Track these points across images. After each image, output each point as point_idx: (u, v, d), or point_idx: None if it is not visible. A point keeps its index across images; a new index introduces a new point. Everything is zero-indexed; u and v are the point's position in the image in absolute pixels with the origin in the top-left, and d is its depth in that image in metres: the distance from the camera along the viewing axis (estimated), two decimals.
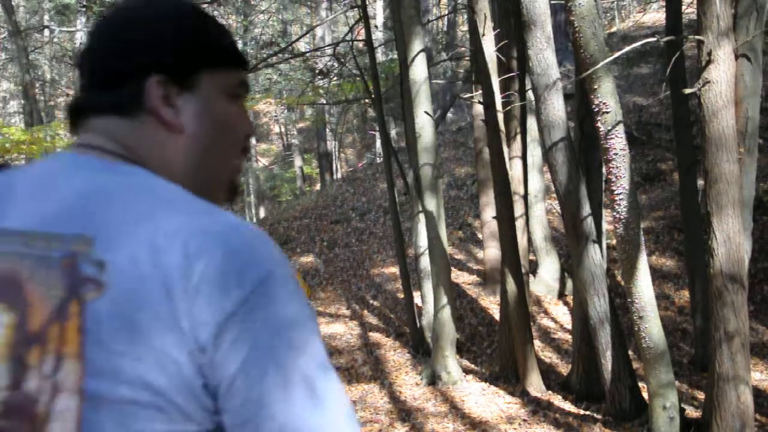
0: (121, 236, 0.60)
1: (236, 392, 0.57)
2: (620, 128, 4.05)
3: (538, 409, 5.09)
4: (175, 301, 0.57)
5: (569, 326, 7.36)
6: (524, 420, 4.90)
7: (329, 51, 11.19)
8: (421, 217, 6.33)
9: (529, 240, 7.70)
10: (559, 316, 7.92)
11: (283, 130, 29.01)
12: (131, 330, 0.57)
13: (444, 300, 5.71)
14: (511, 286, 5.63)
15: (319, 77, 10.58)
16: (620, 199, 4.08)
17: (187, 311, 0.57)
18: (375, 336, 7.32)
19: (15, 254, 0.62)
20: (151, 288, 0.57)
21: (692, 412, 4.80)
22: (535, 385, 5.50)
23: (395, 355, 6.75)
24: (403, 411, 5.19)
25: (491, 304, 8.09)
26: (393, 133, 20.13)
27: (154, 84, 0.70)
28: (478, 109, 7.31)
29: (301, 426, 0.57)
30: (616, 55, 4.43)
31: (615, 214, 4.14)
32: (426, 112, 5.58)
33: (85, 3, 11.54)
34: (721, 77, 3.82)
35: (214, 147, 0.74)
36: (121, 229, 0.60)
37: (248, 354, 0.57)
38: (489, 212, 7.78)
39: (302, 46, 22.69)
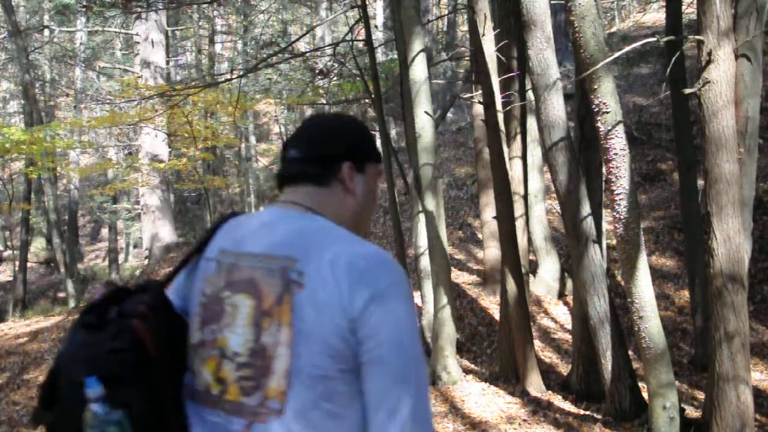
0: (313, 257, 1.09)
1: (368, 340, 1.04)
2: (620, 128, 4.05)
3: (538, 409, 5.09)
4: (341, 292, 1.06)
5: (569, 326, 7.36)
6: (524, 420, 4.90)
7: (329, 51, 11.19)
8: (421, 217, 6.33)
9: (529, 240, 7.71)
10: (559, 316, 7.92)
11: (283, 130, 29.00)
12: (317, 310, 1.05)
13: (444, 300, 5.71)
14: (511, 286, 5.63)
15: (319, 77, 10.58)
16: (620, 199, 4.08)
17: (347, 298, 1.05)
18: None
19: (253, 266, 1.13)
20: (328, 286, 1.06)
21: (692, 412, 4.80)
22: (535, 385, 5.50)
23: None
24: None
25: (491, 304, 8.09)
26: (393, 133, 20.11)
27: (347, 167, 1.24)
28: (478, 109, 7.31)
29: (408, 353, 1.06)
30: (616, 55, 4.42)
31: (615, 214, 4.14)
32: (426, 112, 5.58)
33: (85, 3, 11.52)
34: (721, 77, 3.82)
35: (366, 206, 1.29)
36: (312, 253, 1.10)
37: (381, 319, 1.05)
38: (489, 212, 7.78)
39: (302, 46, 22.68)
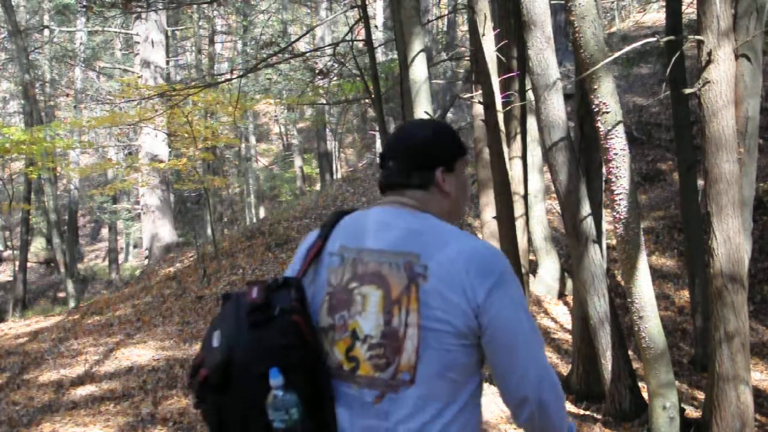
0: (434, 252, 1.32)
1: (494, 321, 1.29)
2: (620, 128, 4.05)
3: None
4: (463, 282, 1.29)
5: (569, 326, 7.36)
6: None
7: (329, 51, 11.19)
8: None
9: (529, 240, 7.71)
10: (559, 316, 7.93)
11: (283, 130, 28.99)
12: (442, 298, 1.28)
13: None
14: None
15: (319, 77, 10.57)
16: (620, 199, 4.08)
17: (470, 287, 1.28)
18: None
19: (378, 261, 1.35)
20: (452, 278, 1.29)
21: (692, 412, 4.80)
22: None
23: None
24: None
25: None
26: None
27: (440, 172, 1.45)
28: (478, 109, 7.31)
29: (526, 326, 1.31)
30: (616, 55, 4.42)
31: (615, 214, 4.14)
32: (426, 112, 5.58)
33: (85, 3, 11.52)
34: (721, 77, 3.82)
35: (460, 199, 1.51)
36: (433, 249, 1.33)
37: (501, 304, 1.29)
38: (489, 212, 7.78)
39: (302, 46, 22.67)
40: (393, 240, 1.36)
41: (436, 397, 1.30)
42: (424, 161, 1.46)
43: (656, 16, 18.03)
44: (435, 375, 1.30)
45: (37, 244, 22.74)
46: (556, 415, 1.37)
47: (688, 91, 4.43)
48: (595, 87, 4.05)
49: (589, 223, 4.58)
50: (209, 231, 14.47)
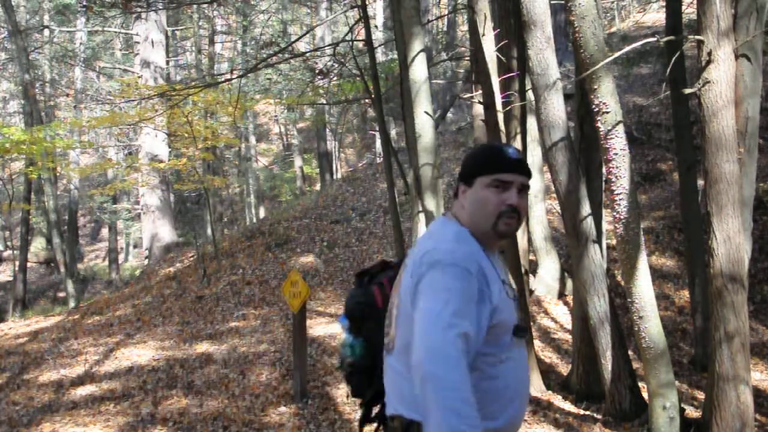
0: (414, 250, 1.77)
1: (417, 301, 1.65)
2: (620, 128, 4.05)
3: (538, 409, 5.09)
4: (414, 273, 1.68)
5: (569, 326, 7.36)
6: (524, 420, 4.90)
7: (329, 51, 11.18)
8: (421, 217, 6.32)
9: (529, 240, 7.70)
10: (559, 316, 7.93)
11: (283, 130, 28.98)
12: (405, 285, 1.71)
13: None
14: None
15: (319, 77, 10.57)
16: (620, 199, 4.08)
17: (417, 276, 1.66)
18: None
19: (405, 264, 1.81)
20: (411, 270, 1.69)
21: (692, 412, 4.80)
22: (535, 385, 5.50)
23: None
24: None
25: None
26: (393, 133, 20.10)
27: (461, 186, 1.80)
28: (478, 109, 7.30)
29: (431, 305, 1.59)
30: (616, 55, 4.42)
31: (615, 214, 4.14)
32: (426, 112, 5.58)
33: (85, 3, 11.52)
34: (721, 77, 3.82)
35: (472, 213, 1.77)
36: (416, 247, 1.79)
37: (422, 287, 1.63)
38: None
39: (302, 46, 22.66)
40: (422, 243, 1.80)
41: (404, 363, 1.68)
42: (459, 176, 1.84)
43: (656, 16, 18.04)
44: (403, 342, 1.69)
45: (37, 244, 22.74)
46: (439, 395, 1.47)
47: (688, 91, 4.43)
48: (595, 87, 4.05)
49: (589, 223, 4.58)
50: (209, 231, 14.47)
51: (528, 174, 1.79)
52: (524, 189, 1.78)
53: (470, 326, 1.57)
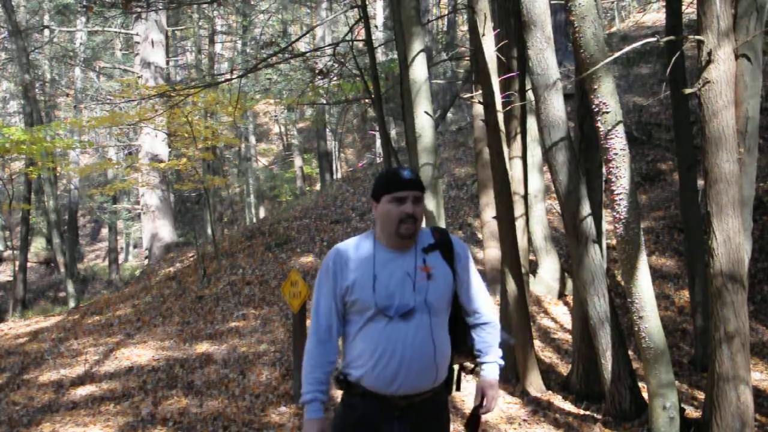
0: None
1: None
2: (620, 128, 4.05)
3: (538, 409, 5.09)
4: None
5: (569, 326, 7.36)
6: (524, 420, 4.90)
7: (329, 51, 11.18)
8: None
9: (529, 240, 7.70)
10: (559, 316, 7.92)
11: (283, 130, 28.98)
12: None
13: None
14: (511, 286, 5.64)
15: (319, 77, 10.56)
16: (620, 199, 4.08)
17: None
18: None
19: None
20: None
21: (692, 412, 4.80)
22: (535, 385, 5.50)
23: None
24: None
25: None
26: (393, 133, 20.10)
27: (373, 205, 2.31)
28: (478, 109, 7.31)
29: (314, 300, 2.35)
30: (616, 55, 4.42)
31: (615, 214, 4.14)
32: (426, 112, 5.58)
33: (85, 3, 11.52)
34: (721, 77, 3.82)
35: (381, 223, 2.28)
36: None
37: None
38: (489, 212, 7.78)
39: (302, 46, 22.67)
40: None
41: None
42: (371, 196, 2.33)
43: (656, 16, 18.04)
44: None
45: (37, 244, 22.74)
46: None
47: (688, 91, 4.43)
48: (595, 87, 4.05)
49: (589, 223, 4.58)
50: (209, 231, 14.47)
51: (420, 188, 2.26)
52: (418, 200, 2.25)
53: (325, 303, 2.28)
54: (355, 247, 2.30)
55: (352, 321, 2.25)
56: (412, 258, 2.28)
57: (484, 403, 2.41)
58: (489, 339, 2.43)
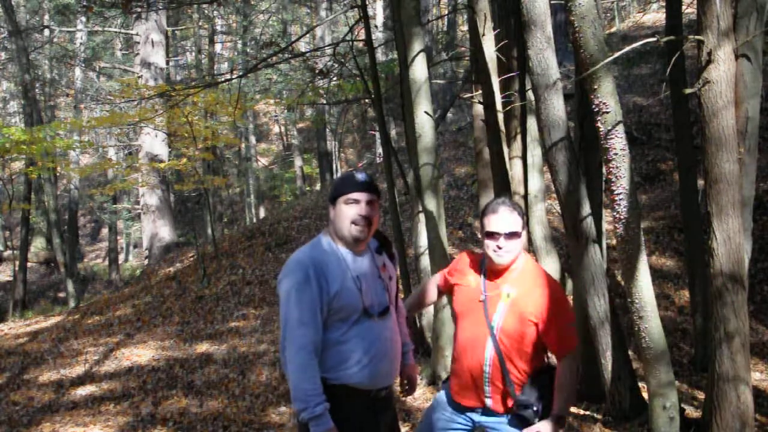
0: None
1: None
2: (620, 128, 4.05)
3: None
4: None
5: None
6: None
7: (329, 51, 11.19)
8: (421, 217, 6.32)
9: (529, 240, 7.69)
10: None
11: (283, 130, 28.98)
12: None
13: (444, 300, 5.71)
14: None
15: (319, 77, 10.57)
16: (620, 199, 4.08)
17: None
18: None
19: None
20: None
21: (692, 412, 4.80)
22: None
23: None
24: (403, 411, 5.19)
25: None
26: (393, 133, 20.09)
27: (329, 207, 2.43)
28: (478, 109, 7.31)
29: (284, 310, 2.30)
30: (616, 55, 4.42)
31: (615, 214, 4.14)
32: (426, 112, 5.58)
33: (85, 3, 11.52)
34: (721, 77, 3.82)
35: (336, 223, 2.38)
36: None
37: (280, 293, 2.36)
38: None
39: (302, 46, 22.68)
40: None
41: None
42: (328, 199, 2.42)
43: (656, 16, 18.04)
44: None
45: (37, 244, 22.73)
46: (291, 377, 2.24)
47: (688, 91, 4.43)
48: (595, 87, 4.04)
49: (589, 223, 4.58)
50: (209, 231, 14.47)
51: (375, 191, 2.34)
52: (372, 203, 2.32)
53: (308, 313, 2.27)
54: (323, 252, 2.33)
55: (334, 327, 2.28)
56: (371, 259, 2.44)
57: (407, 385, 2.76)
58: (404, 329, 2.73)
